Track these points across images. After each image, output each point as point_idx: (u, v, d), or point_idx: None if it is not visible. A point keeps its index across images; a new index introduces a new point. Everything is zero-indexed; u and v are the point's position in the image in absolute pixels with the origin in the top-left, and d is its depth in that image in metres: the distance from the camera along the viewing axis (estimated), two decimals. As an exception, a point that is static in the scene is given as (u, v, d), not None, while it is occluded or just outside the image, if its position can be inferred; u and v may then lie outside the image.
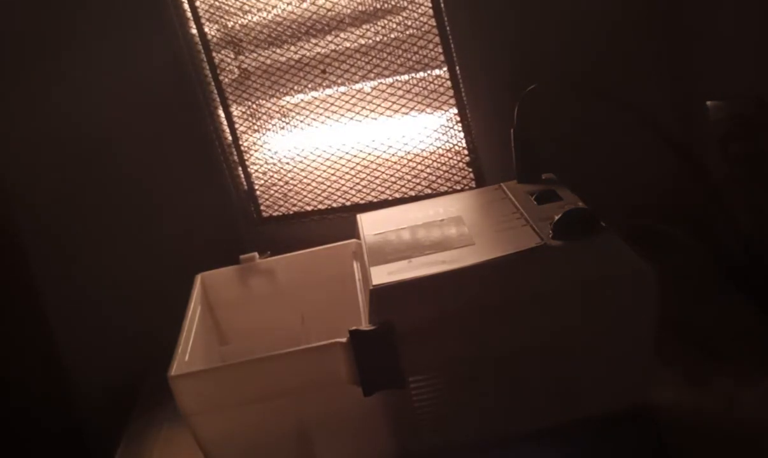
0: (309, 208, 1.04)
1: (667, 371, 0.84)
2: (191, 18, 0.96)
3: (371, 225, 0.82)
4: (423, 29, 0.96)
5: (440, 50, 0.96)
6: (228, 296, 0.87)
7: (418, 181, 1.03)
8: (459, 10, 0.93)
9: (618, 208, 0.89)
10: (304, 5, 0.98)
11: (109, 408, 0.94)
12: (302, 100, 1.02)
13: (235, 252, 0.87)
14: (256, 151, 1.04)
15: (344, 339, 0.67)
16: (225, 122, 1.01)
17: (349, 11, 0.98)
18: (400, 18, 0.98)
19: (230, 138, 1.00)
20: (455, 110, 0.99)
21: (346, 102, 1.01)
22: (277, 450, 0.71)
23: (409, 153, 1.02)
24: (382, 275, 0.69)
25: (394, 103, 1.00)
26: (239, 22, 0.97)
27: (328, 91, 1.01)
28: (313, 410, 0.70)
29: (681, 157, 0.89)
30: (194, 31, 0.97)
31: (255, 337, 0.86)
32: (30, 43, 0.94)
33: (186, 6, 0.95)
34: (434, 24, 0.94)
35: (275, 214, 1.04)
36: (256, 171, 1.04)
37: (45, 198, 0.94)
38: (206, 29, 0.97)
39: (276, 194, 1.03)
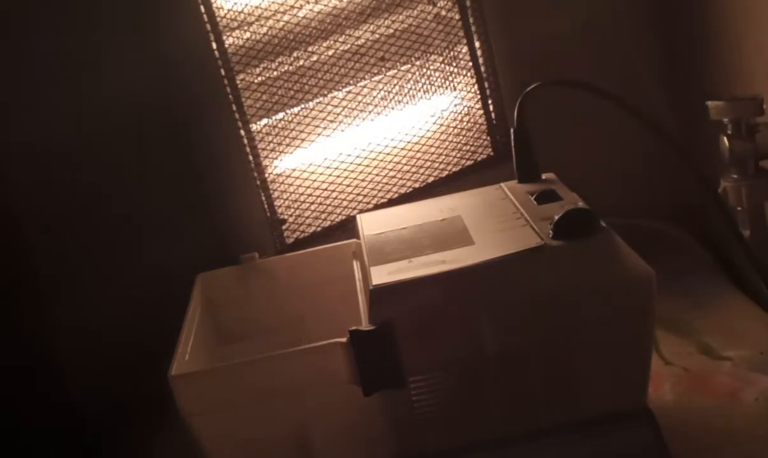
0: (339, 220, 1.03)
1: (667, 371, 0.84)
2: (211, 32, 0.94)
3: (371, 225, 0.82)
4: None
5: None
6: (228, 296, 0.87)
7: (439, 162, 1.06)
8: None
9: (618, 208, 0.90)
10: (317, 7, 0.97)
11: (109, 408, 0.93)
12: (315, 106, 1.01)
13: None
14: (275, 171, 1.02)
15: (344, 339, 0.67)
16: (247, 142, 0.98)
17: (354, 6, 0.99)
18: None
19: (252, 159, 0.98)
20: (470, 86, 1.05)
21: (355, 101, 1.01)
22: (277, 449, 0.71)
23: (431, 135, 1.06)
24: (382, 275, 0.69)
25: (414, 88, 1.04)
26: (245, 35, 0.96)
27: (339, 94, 1.01)
28: (313, 410, 0.70)
29: (681, 156, 0.89)
30: (214, 44, 0.95)
31: (255, 337, 0.86)
32: (44, 46, 0.93)
33: (206, 19, 0.94)
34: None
35: (301, 236, 1.02)
36: (278, 192, 1.01)
37: (48, 199, 0.94)
38: (226, 43, 0.95)
39: (300, 215, 1.01)
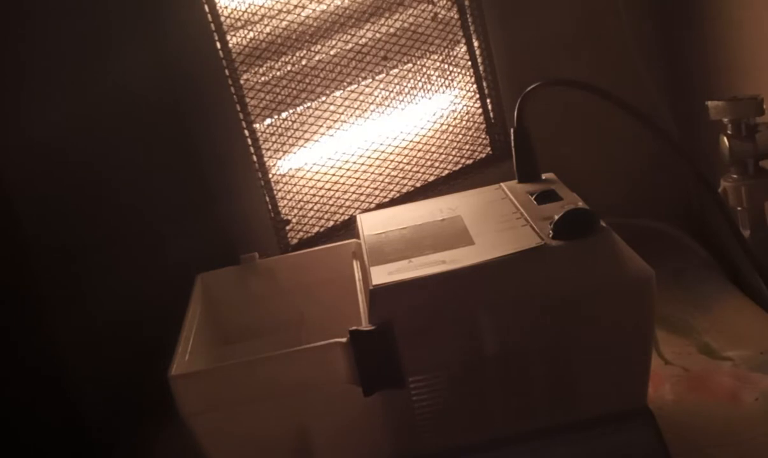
0: (342, 220, 1.03)
1: (667, 371, 0.84)
2: (215, 31, 0.94)
3: (371, 225, 0.82)
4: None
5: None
6: (228, 296, 0.87)
7: (440, 161, 1.06)
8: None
9: (618, 208, 0.90)
10: (320, 7, 0.97)
11: (109, 408, 0.93)
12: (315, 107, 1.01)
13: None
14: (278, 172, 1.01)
15: (344, 339, 0.67)
16: (251, 142, 0.96)
17: (356, 6, 0.99)
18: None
19: (256, 160, 0.97)
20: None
21: (359, 100, 1.02)
22: (277, 450, 0.71)
23: (431, 134, 1.07)
24: (382, 275, 0.69)
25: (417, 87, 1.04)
26: (248, 35, 0.96)
27: (339, 93, 1.01)
28: (313, 410, 0.70)
29: (681, 156, 0.89)
30: (218, 44, 0.94)
31: (255, 337, 0.86)
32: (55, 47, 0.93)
33: (210, 19, 0.93)
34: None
35: (305, 237, 1.02)
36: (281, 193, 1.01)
37: (50, 197, 0.94)
38: (230, 43, 0.95)
39: (303, 215, 1.02)
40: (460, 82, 1.07)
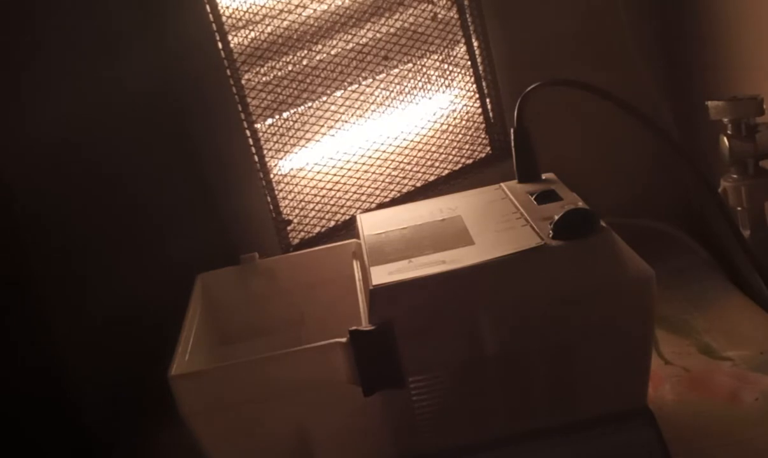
0: (343, 220, 1.03)
1: (667, 371, 0.84)
2: (217, 32, 0.94)
3: (371, 224, 0.82)
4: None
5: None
6: (228, 296, 0.87)
7: (440, 161, 1.07)
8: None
9: (618, 208, 0.90)
10: (322, 7, 0.98)
11: (109, 408, 0.94)
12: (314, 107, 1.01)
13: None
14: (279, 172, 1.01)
15: (344, 339, 0.67)
16: (252, 143, 0.96)
17: (357, 5, 0.99)
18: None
19: (257, 160, 0.97)
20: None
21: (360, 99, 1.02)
22: (277, 450, 0.71)
23: (431, 134, 1.07)
24: (382, 275, 0.69)
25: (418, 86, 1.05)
26: (250, 35, 0.96)
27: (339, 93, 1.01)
28: (313, 410, 0.70)
29: (681, 156, 0.89)
30: (220, 44, 0.94)
31: (255, 337, 0.86)
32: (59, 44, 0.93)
33: (211, 19, 0.93)
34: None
35: (307, 237, 1.02)
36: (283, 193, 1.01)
37: (50, 197, 0.94)
38: (231, 43, 0.94)
39: (305, 215, 1.02)
40: (459, 81, 1.07)
